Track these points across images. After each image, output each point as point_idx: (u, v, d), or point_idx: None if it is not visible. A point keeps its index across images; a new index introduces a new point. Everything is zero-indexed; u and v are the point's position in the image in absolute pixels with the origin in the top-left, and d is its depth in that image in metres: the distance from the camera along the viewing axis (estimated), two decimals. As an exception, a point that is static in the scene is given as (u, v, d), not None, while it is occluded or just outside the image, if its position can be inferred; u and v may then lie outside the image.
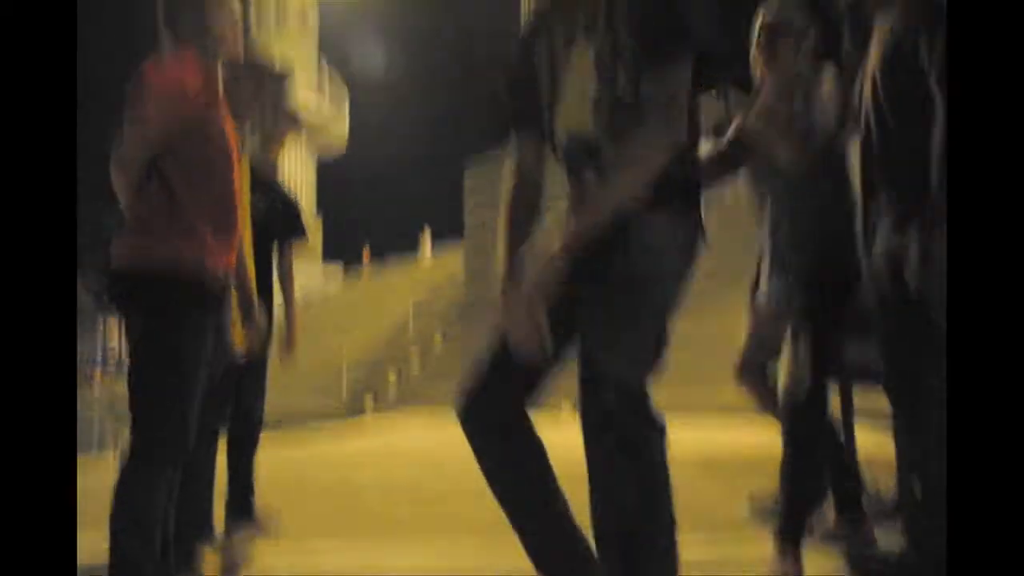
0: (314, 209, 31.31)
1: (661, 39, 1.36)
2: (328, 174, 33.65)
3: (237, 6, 2.04)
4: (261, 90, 2.64)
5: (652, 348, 1.33)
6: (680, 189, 1.43)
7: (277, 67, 2.71)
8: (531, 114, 1.58)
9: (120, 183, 1.87)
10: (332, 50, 34.42)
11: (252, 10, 31.81)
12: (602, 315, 1.34)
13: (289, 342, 3.24)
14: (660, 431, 1.30)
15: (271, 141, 3.06)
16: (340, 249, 32.14)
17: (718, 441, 5.49)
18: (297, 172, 30.30)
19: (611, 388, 1.24)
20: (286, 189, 3.33)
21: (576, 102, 1.48)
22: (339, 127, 33.29)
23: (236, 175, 2.02)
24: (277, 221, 3.01)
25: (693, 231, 1.44)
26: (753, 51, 2.42)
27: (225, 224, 1.96)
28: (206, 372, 1.90)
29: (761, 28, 2.37)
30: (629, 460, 1.25)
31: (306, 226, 3.39)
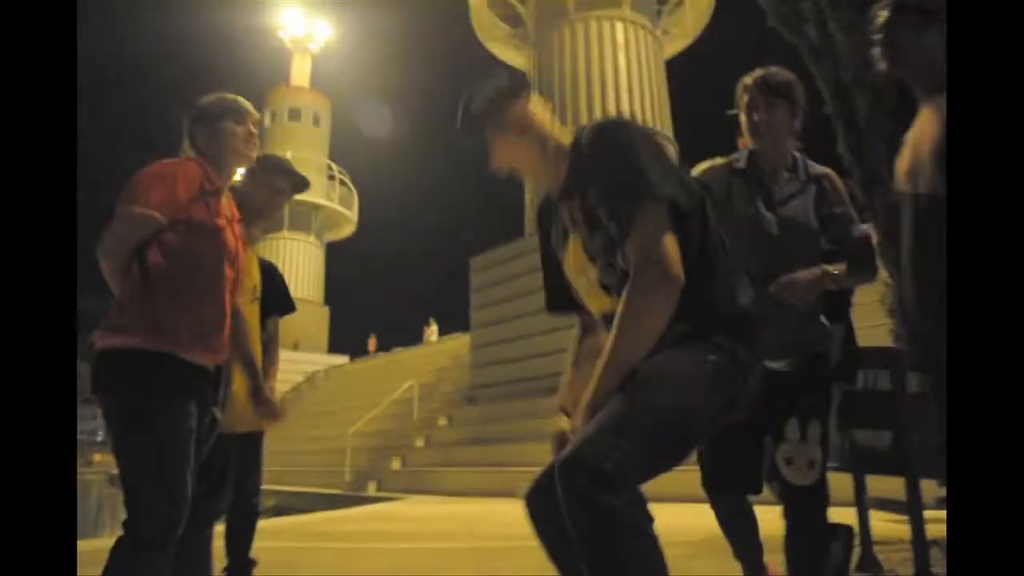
0: (322, 300, 31.64)
1: (628, 200, 1.45)
2: (337, 267, 34.23)
3: (252, 122, 2.16)
4: (279, 194, 2.72)
5: (641, 441, 1.37)
6: (719, 323, 1.49)
7: (295, 172, 2.79)
8: (572, 297, 1.72)
9: (105, 269, 1.95)
10: (343, 151, 35.49)
11: (267, 111, 33.11)
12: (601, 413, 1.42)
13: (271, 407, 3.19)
14: (634, 507, 1.34)
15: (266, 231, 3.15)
16: (347, 341, 32.35)
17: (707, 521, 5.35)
18: (306, 266, 30.79)
19: (583, 470, 1.31)
20: (268, 264, 3.39)
21: (587, 289, 1.62)
22: (348, 225, 33.97)
23: (231, 274, 2.06)
24: (265, 297, 3.03)
25: (730, 363, 1.46)
26: (743, 113, 2.27)
27: (207, 320, 1.98)
28: (187, 453, 1.88)
29: (755, 87, 2.23)
30: (606, 536, 1.30)
31: (292, 298, 3.47)
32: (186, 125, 2.13)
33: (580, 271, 1.61)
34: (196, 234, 1.97)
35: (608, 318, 1.57)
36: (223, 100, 2.15)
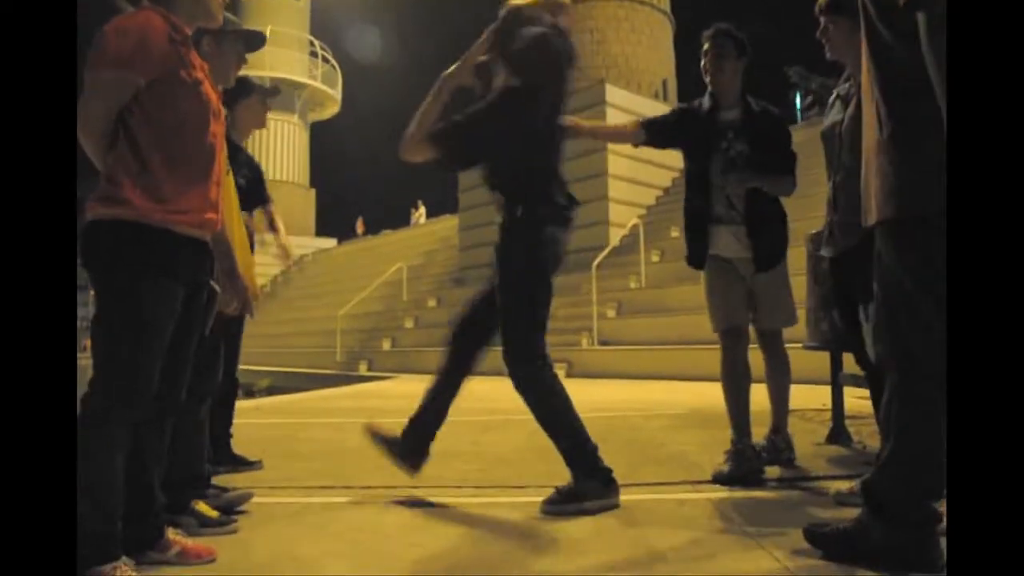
0: (307, 182, 31.10)
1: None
2: (322, 150, 33.27)
3: None
4: (242, 60, 2.47)
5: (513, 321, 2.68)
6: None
7: (250, 31, 2.51)
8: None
9: (84, 141, 1.77)
10: (325, 27, 33.63)
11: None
12: None
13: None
14: (532, 363, 2.54)
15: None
16: (334, 224, 32.11)
17: (703, 398, 5.59)
18: (290, 147, 30.04)
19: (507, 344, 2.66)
20: (249, 155, 3.36)
21: None
22: (332, 105, 32.78)
23: (213, 133, 1.91)
24: (242, 188, 2.96)
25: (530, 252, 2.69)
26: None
27: (197, 184, 1.86)
28: (165, 333, 1.80)
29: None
30: (528, 388, 2.49)
31: (269, 193, 3.52)
32: None
33: None
34: (176, 90, 1.80)
35: None
36: None
